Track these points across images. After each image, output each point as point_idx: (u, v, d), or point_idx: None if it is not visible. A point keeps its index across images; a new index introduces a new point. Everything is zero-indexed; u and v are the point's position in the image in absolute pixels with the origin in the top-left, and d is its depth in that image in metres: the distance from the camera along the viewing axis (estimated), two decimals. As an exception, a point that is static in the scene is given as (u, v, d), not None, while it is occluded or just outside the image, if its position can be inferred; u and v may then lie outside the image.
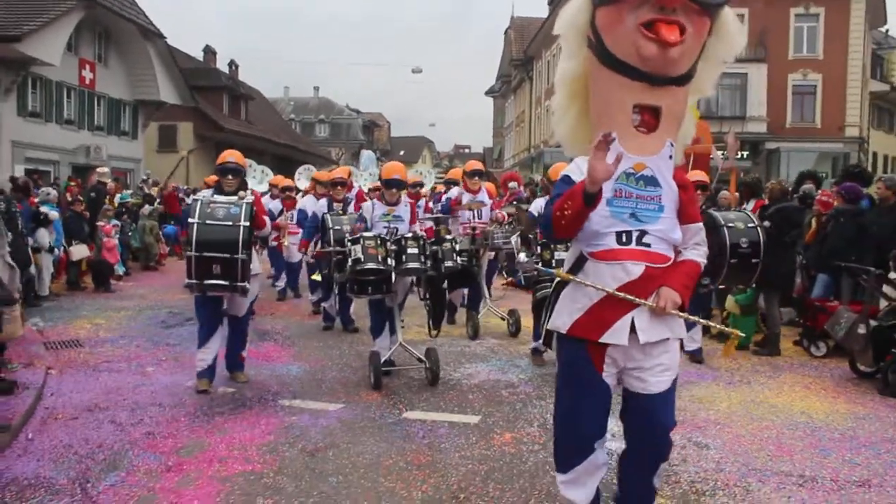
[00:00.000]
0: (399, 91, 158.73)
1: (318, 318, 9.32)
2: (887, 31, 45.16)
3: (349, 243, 6.18)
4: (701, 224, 3.23)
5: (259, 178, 14.50)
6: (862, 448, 4.84)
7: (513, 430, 5.10)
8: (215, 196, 6.03)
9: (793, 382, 6.54)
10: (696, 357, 7.18)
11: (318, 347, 7.88)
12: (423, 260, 6.21)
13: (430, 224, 8.25)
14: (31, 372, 6.34)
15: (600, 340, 3.06)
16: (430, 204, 10.66)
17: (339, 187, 8.95)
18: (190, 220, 5.74)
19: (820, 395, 6.15)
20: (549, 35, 39.23)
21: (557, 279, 3.24)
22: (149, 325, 9.10)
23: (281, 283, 11.33)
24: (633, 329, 3.04)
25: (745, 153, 30.61)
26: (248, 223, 5.71)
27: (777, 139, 31.36)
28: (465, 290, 8.85)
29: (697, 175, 7.53)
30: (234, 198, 5.93)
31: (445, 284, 6.76)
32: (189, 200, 11.48)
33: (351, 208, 8.68)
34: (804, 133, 31.68)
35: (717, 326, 3.59)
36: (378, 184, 12.96)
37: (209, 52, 38.79)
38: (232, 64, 40.95)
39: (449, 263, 6.47)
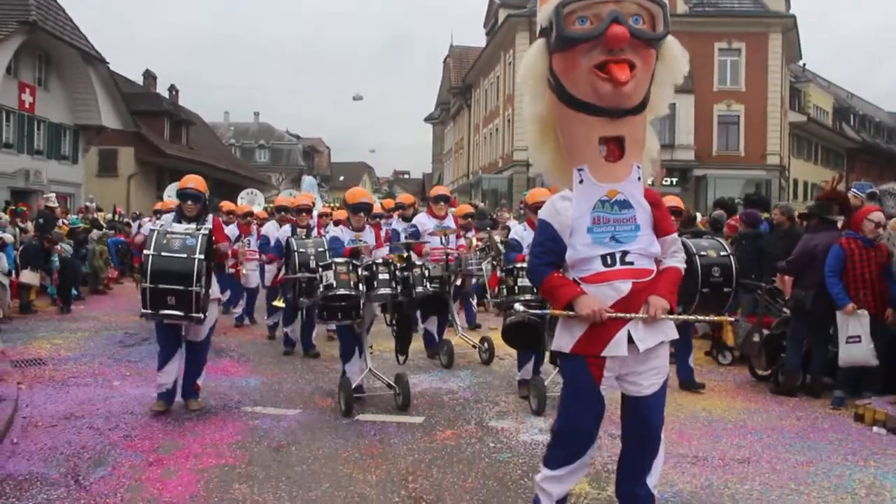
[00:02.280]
0: (339, 117, 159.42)
1: (265, 338, 9.85)
2: (804, 65, 47.97)
3: (321, 269, 6.26)
4: (675, 234, 3.59)
5: (250, 200, 14.86)
6: (749, 434, 5.72)
7: (453, 428, 5.80)
8: (173, 225, 6.06)
9: (699, 387, 7.41)
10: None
11: (272, 363, 8.46)
12: (393, 286, 6.26)
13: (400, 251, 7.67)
14: (3, 386, 6.75)
15: (602, 354, 3.33)
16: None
17: (303, 213, 9.13)
18: (145, 251, 5.72)
19: (721, 396, 7.04)
20: (486, 64, 40.58)
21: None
22: (107, 344, 9.50)
23: (238, 310, 11.36)
24: (630, 339, 3.33)
25: (675, 179, 32.21)
26: (202, 256, 5.70)
27: (704, 166, 32.88)
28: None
29: (672, 201, 7.46)
30: (192, 227, 5.97)
31: (418, 312, 6.81)
32: (142, 228, 11.68)
33: (314, 233, 8.91)
34: (729, 160, 33.31)
35: (708, 318, 4.17)
36: (325, 209, 13.62)
37: (149, 76, 38.74)
38: (172, 89, 40.91)
39: (419, 289, 6.45)
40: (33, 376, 7.51)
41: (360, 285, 6.15)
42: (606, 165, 3.38)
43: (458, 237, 8.85)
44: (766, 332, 7.40)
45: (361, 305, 6.23)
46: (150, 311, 5.71)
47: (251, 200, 18.33)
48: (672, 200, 7.48)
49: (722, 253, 6.94)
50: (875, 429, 5.83)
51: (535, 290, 5.50)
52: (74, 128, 27.15)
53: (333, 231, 7.08)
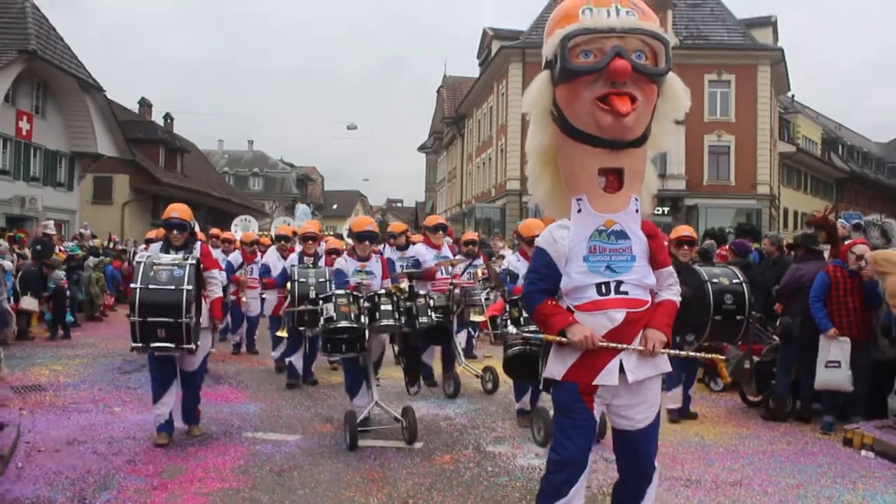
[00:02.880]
0: (333, 145, 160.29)
1: (263, 365, 9.91)
2: (793, 96, 48.77)
3: (321, 301, 6.19)
4: (671, 268, 3.59)
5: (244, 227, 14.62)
6: (740, 458, 5.85)
7: (451, 453, 5.91)
8: (160, 255, 6.01)
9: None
10: (674, 417, 7.03)
11: (270, 389, 8.55)
12: (397, 317, 6.15)
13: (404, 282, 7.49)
14: (6, 411, 6.83)
15: (594, 383, 3.36)
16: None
17: (309, 241, 8.99)
18: (132, 284, 5.70)
19: (713, 421, 7.18)
20: (479, 94, 41.05)
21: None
22: (106, 371, 9.57)
23: (237, 337, 11.29)
24: (621, 369, 3.35)
25: (666, 209, 32.55)
26: (191, 286, 5.65)
27: (695, 196, 33.24)
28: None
29: (685, 230, 7.39)
30: (179, 257, 5.90)
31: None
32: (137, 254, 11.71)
33: (322, 262, 8.79)
34: (720, 190, 33.68)
35: (703, 356, 4.17)
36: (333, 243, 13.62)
37: (145, 104, 39.08)
38: (167, 117, 41.24)
39: (424, 320, 6.32)
40: (34, 402, 7.58)
41: (363, 317, 6.06)
42: (605, 196, 3.43)
43: (453, 266, 8.82)
44: (756, 359, 7.55)
45: (366, 337, 6.13)
46: (140, 344, 5.68)
47: (245, 227, 18.43)
48: (685, 230, 7.42)
49: (735, 280, 6.86)
50: (863, 452, 5.99)
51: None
52: (70, 155, 27.29)
53: (338, 262, 6.98)
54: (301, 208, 25.04)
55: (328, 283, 7.11)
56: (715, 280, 6.78)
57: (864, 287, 6.72)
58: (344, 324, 5.99)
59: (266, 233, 16.54)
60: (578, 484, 3.44)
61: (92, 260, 15.44)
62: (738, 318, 6.74)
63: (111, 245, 19.71)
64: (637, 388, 3.40)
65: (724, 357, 3.60)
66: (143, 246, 16.59)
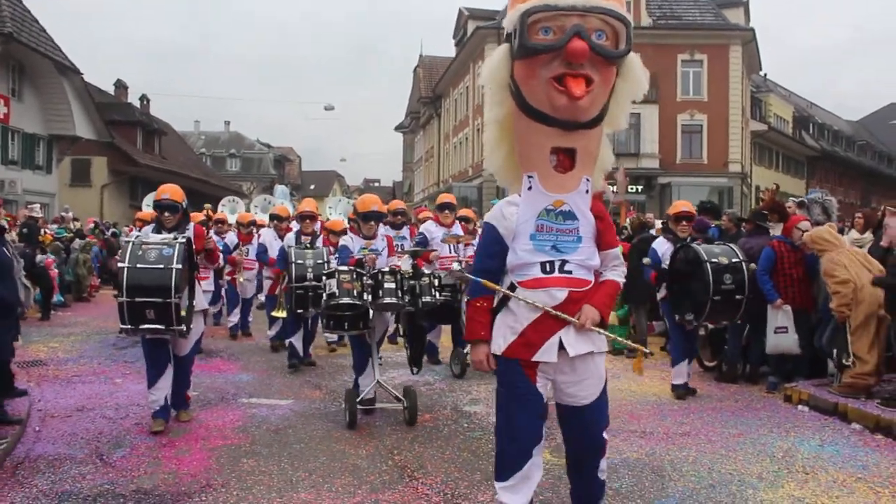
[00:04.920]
0: (310, 126, 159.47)
1: (252, 341, 10.40)
2: (765, 75, 49.50)
3: (324, 277, 6.20)
4: (618, 250, 3.63)
5: (231, 208, 14.73)
6: (691, 414, 6.52)
7: (431, 412, 6.51)
8: (150, 235, 5.89)
9: (653, 376, 8.16)
10: (679, 392, 7.10)
11: (260, 361, 9.10)
12: (400, 295, 6.08)
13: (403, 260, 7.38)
14: (17, 382, 7.29)
15: (533, 359, 3.41)
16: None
17: (307, 220, 8.97)
18: (120, 263, 5.55)
19: (668, 383, 7.80)
20: (456, 74, 41.39)
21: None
22: (101, 346, 10.05)
23: (234, 319, 11.03)
24: (561, 346, 3.39)
25: (640, 187, 33.19)
26: (180, 265, 5.48)
27: (669, 174, 33.85)
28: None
29: (684, 206, 7.45)
30: (169, 236, 5.75)
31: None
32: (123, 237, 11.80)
33: (320, 241, 8.78)
34: (693, 168, 34.31)
35: (628, 343, 4.27)
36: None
37: (121, 86, 38.95)
38: (143, 98, 41.13)
39: (427, 299, 6.27)
40: (38, 376, 8.06)
41: (365, 294, 6.02)
42: (556, 175, 3.42)
43: (466, 245, 8.78)
44: (710, 326, 8.18)
45: (370, 315, 6.12)
46: (129, 326, 5.52)
47: (233, 209, 18.76)
48: (684, 205, 7.46)
49: (734, 259, 6.82)
50: (799, 407, 6.69)
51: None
52: (48, 138, 27.39)
53: (344, 240, 6.92)
54: (280, 189, 25.34)
55: (325, 264, 7.10)
56: (714, 260, 6.75)
57: (807, 260, 7.37)
58: (346, 300, 5.96)
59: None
60: (533, 459, 3.49)
61: (78, 242, 15.78)
62: (737, 297, 6.75)
63: (96, 229, 19.94)
64: (580, 365, 3.45)
65: (647, 351, 3.71)
66: (129, 228, 16.98)
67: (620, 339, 4.04)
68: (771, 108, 47.14)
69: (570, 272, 3.42)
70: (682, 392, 7.09)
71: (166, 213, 6.04)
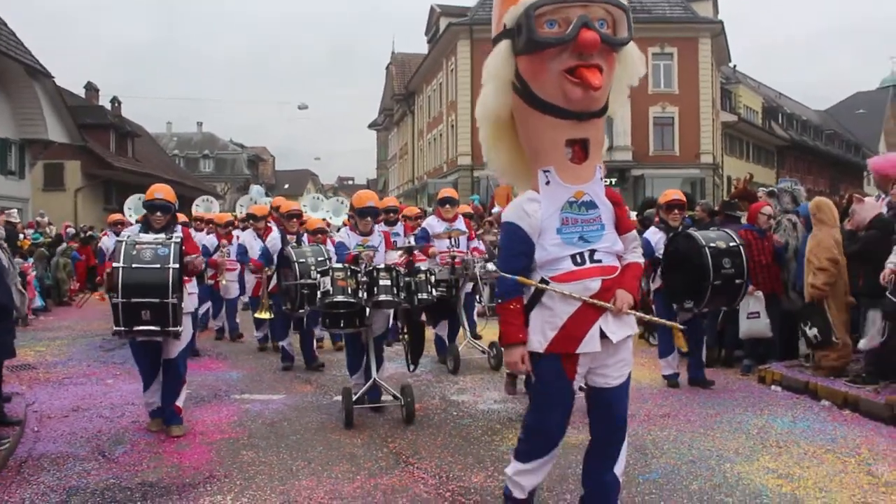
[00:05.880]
0: (283, 125, 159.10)
1: (239, 341, 10.55)
2: (735, 67, 50.22)
3: (318, 275, 6.16)
4: (635, 231, 3.68)
5: (206, 208, 14.28)
6: (670, 397, 6.80)
7: (420, 402, 6.70)
8: (140, 235, 5.77)
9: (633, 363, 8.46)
10: (672, 381, 7.17)
11: (249, 358, 9.25)
12: (395, 292, 6.04)
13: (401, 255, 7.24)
14: (9, 385, 7.38)
15: (577, 352, 3.41)
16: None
17: (293, 220, 8.83)
18: (115, 263, 5.36)
19: (650, 369, 8.09)
20: (429, 71, 41.55)
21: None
22: (88, 349, 10.13)
23: (219, 322, 10.95)
24: (602, 334, 3.42)
25: (613, 180, 33.54)
26: (177, 265, 5.39)
27: (641, 166, 34.36)
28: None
29: (675, 194, 7.42)
30: (162, 236, 5.66)
31: (424, 317, 6.67)
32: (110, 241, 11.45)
33: (305, 241, 8.41)
34: (665, 160, 34.86)
35: (663, 321, 4.46)
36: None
37: (91, 88, 38.57)
38: (115, 101, 40.75)
39: (423, 296, 6.25)
40: (29, 379, 8.15)
41: (360, 292, 5.96)
42: (573, 167, 3.46)
43: (470, 238, 8.78)
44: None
45: (366, 313, 6.11)
46: (123, 328, 5.36)
47: (207, 208, 18.75)
48: (675, 193, 7.42)
49: (731, 244, 6.76)
50: (773, 387, 7.01)
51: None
52: (20, 142, 27.10)
53: (340, 236, 6.91)
54: (255, 189, 25.28)
55: (328, 260, 6.99)
56: (712, 244, 6.69)
57: (774, 246, 7.68)
58: (340, 298, 5.91)
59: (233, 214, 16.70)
60: (548, 457, 3.62)
61: (62, 246, 15.77)
62: (737, 281, 6.70)
63: (77, 236, 19.85)
64: (615, 348, 3.49)
65: (681, 326, 3.91)
66: (104, 232, 16.85)
67: (655, 318, 4.32)
68: (741, 100, 47.87)
69: (599, 261, 3.46)
70: (675, 381, 7.16)
71: (158, 213, 5.94)
